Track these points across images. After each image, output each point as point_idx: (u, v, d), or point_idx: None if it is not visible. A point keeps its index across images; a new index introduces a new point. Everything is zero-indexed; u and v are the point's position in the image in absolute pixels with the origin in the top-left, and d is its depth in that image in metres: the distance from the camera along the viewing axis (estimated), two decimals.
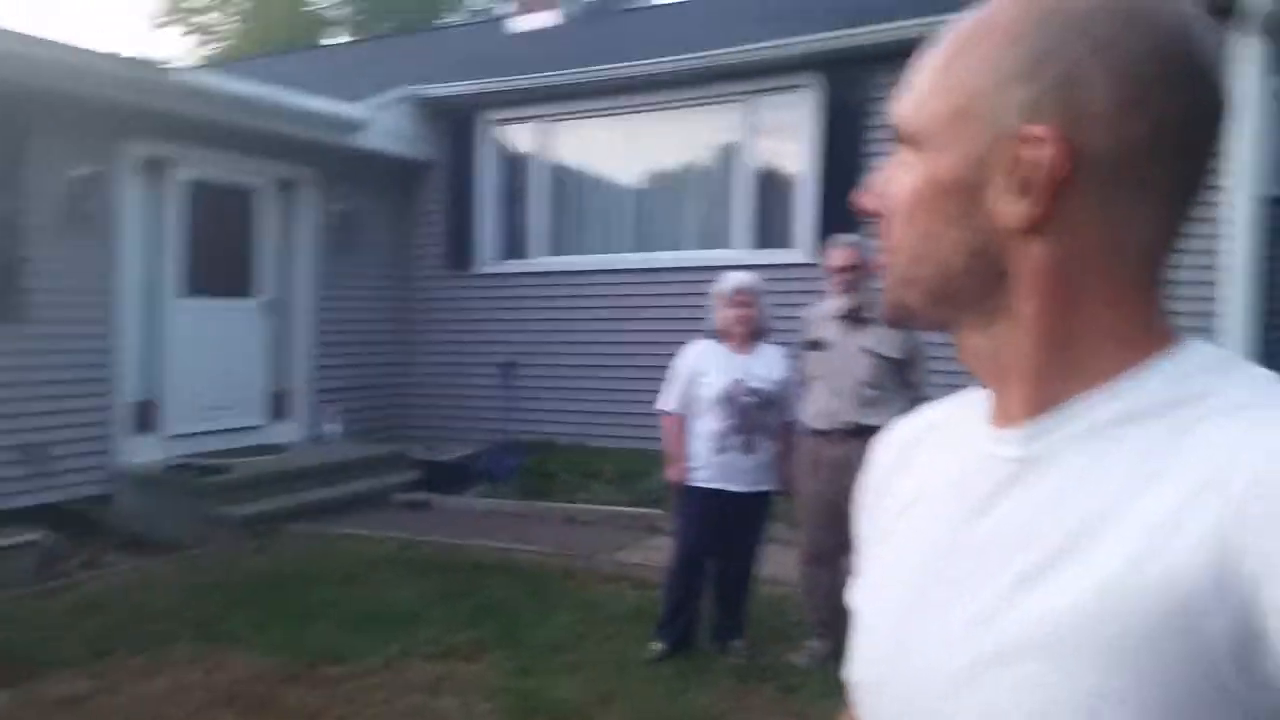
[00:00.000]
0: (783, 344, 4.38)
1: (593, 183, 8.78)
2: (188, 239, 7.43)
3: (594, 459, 7.71)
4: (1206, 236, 6.27)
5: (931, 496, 0.77)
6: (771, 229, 7.80)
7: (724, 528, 4.14)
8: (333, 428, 8.29)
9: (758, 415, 4.10)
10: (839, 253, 4.16)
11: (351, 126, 8.10)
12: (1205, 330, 6.24)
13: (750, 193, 7.90)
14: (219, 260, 7.78)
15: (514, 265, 8.89)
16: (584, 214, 8.77)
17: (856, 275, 4.08)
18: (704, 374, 4.12)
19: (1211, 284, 6.28)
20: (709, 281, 7.41)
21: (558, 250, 8.78)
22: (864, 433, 3.96)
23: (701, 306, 6.33)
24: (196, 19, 26.61)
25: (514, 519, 6.94)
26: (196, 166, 7.45)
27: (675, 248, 8.25)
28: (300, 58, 14.45)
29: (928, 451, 0.82)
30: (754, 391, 4.08)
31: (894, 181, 0.73)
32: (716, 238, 8.08)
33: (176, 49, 26.18)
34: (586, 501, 7.14)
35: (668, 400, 4.22)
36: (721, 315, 4.21)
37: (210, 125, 7.12)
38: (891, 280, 0.74)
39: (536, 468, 7.79)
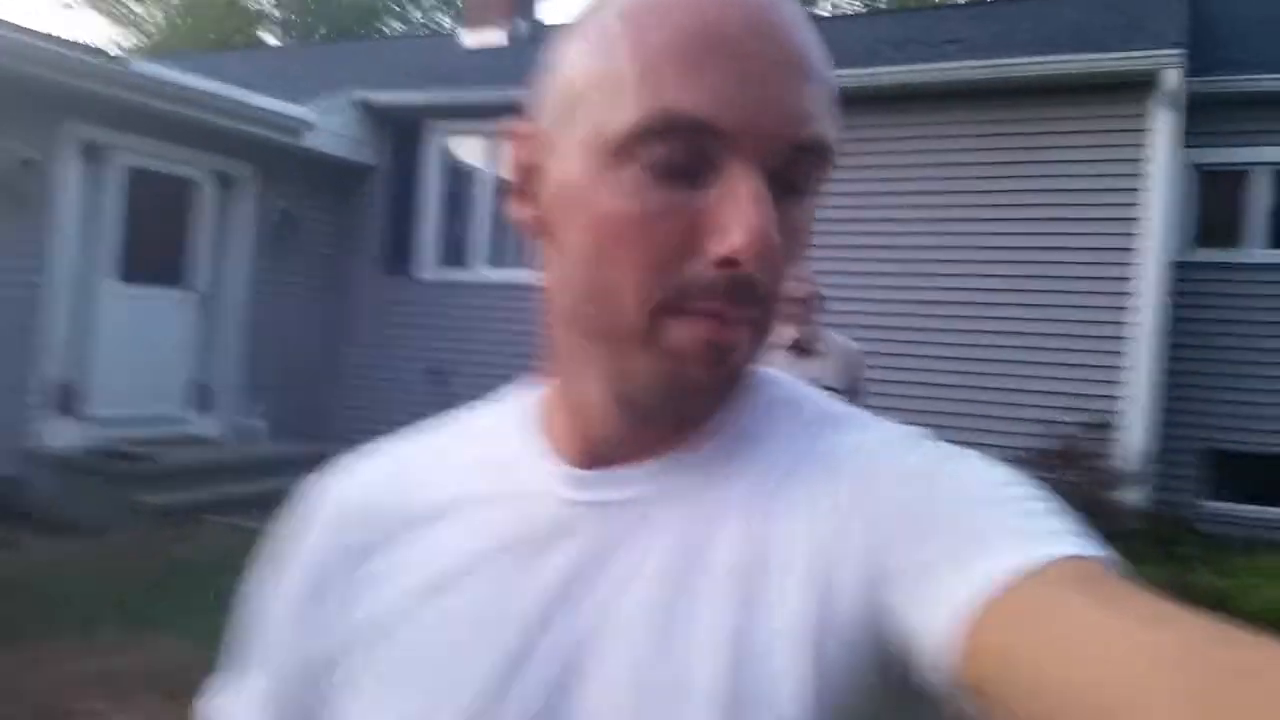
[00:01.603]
0: None
1: None
2: (124, 225, 7.33)
3: None
4: (1117, 294, 6.68)
5: (476, 567, 0.59)
6: None
7: None
8: (257, 424, 8.22)
9: None
10: (789, 284, 4.29)
11: (296, 127, 8.10)
12: (1114, 383, 6.64)
13: None
14: (154, 249, 7.68)
15: (452, 274, 8.95)
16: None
17: (805, 307, 4.21)
18: None
19: (1121, 339, 6.67)
20: None
21: (498, 263, 8.88)
22: None
23: None
24: (116, 7, 26.03)
25: None
26: (137, 154, 7.36)
27: None
28: (242, 56, 14.32)
29: (429, 510, 0.62)
30: None
31: None
32: None
33: (92, 35, 25.56)
34: None
35: None
36: None
37: (155, 115, 7.07)
38: None
39: None
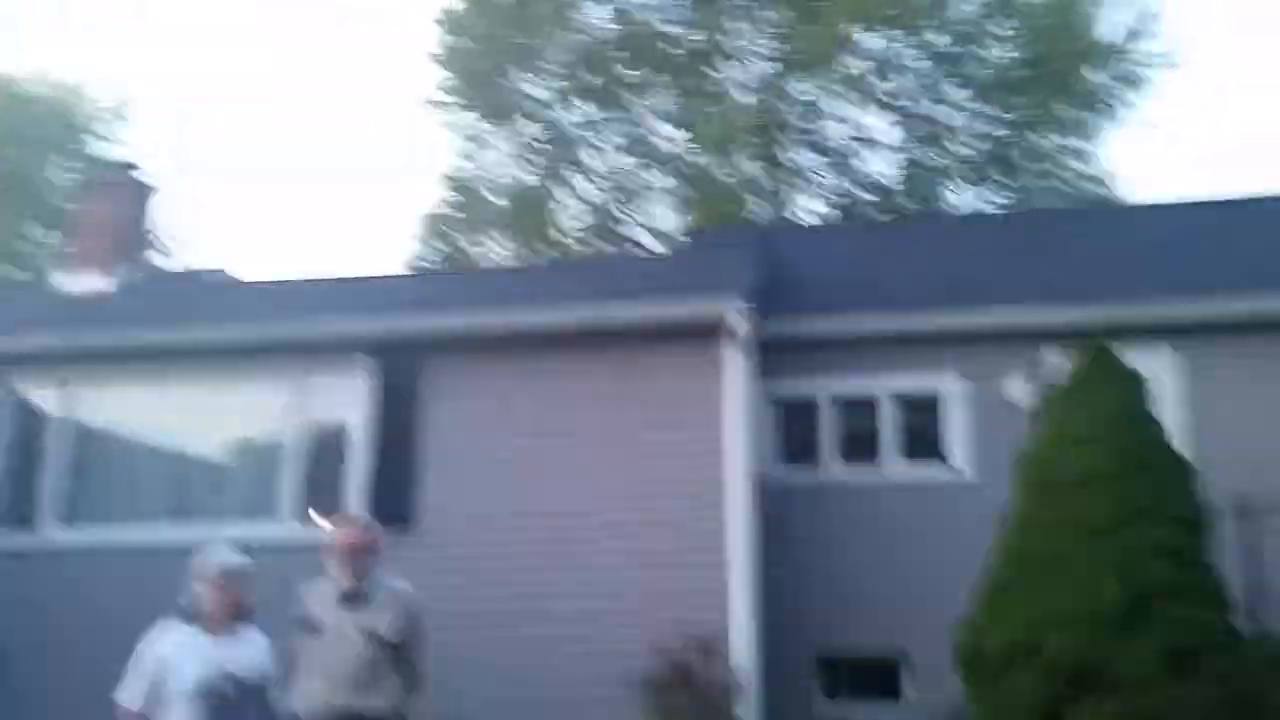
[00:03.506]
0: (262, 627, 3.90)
1: (124, 451, 8.17)
2: None
3: None
4: (712, 517, 7.06)
5: None
6: (321, 502, 7.65)
7: None
8: None
9: (238, 710, 3.56)
10: (345, 530, 4.08)
11: None
12: (719, 599, 6.89)
13: (299, 465, 7.77)
14: None
15: (17, 541, 7.82)
16: (109, 484, 8.08)
17: (362, 554, 4.01)
18: (176, 663, 3.54)
19: (720, 557, 6.99)
20: (258, 556, 7.10)
21: (74, 523, 7.91)
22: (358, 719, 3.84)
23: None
24: None
25: None
26: None
27: (217, 519, 7.78)
28: None
29: None
30: (236, 683, 3.56)
31: None
32: (262, 510, 7.77)
33: None
34: None
35: (127, 694, 3.56)
36: (205, 596, 3.67)
37: None
38: None
39: None
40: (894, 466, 8.12)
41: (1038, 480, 6.02)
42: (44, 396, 8.24)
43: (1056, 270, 9.06)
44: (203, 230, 44.46)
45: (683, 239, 18.64)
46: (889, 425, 8.19)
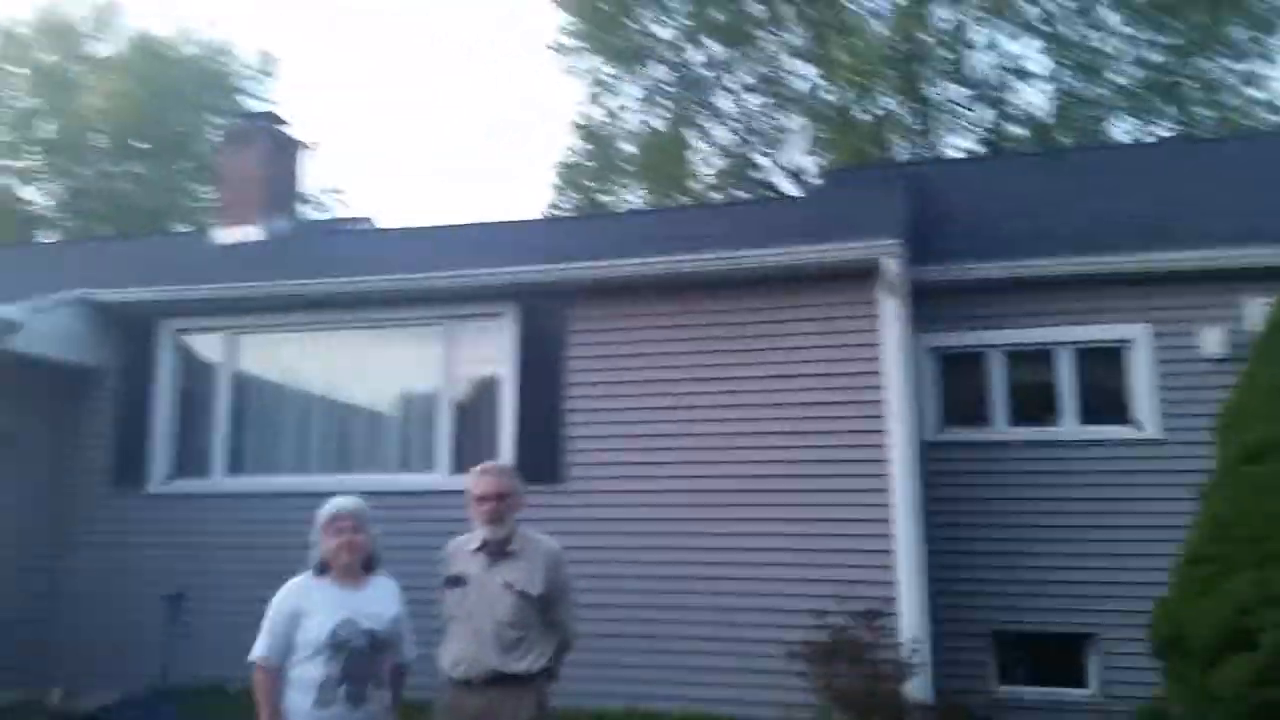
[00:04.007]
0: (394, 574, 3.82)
1: (285, 400, 8.30)
2: None
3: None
4: (873, 477, 6.70)
5: None
6: (474, 454, 7.61)
7: None
8: None
9: (369, 660, 3.51)
10: (485, 480, 3.89)
11: (1, 328, 7.28)
12: (882, 568, 6.56)
13: (450, 416, 7.74)
14: None
15: (190, 486, 8.12)
16: (274, 433, 8.24)
17: (503, 505, 3.82)
18: (306, 614, 3.50)
19: (884, 522, 6.64)
20: (412, 507, 7.23)
21: (241, 470, 8.14)
22: (507, 681, 3.70)
23: (406, 534, 5.96)
24: None
25: None
26: None
27: (374, 470, 7.87)
28: None
29: None
30: (365, 633, 3.51)
31: None
32: (417, 461, 7.80)
33: None
34: None
35: (261, 649, 3.51)
36: (323, 544, 3.59)
37: None
38: None
39: (194, 718, 6.81)
40: (1072, 425, 7.49)
41: (1244, 441, 5.45)
42: (208, 346, 8.43)
43: (1249, 204, 8.24)
44: (350, 182, 45.73)
45: (820, 180, 17.97)
46: (1067, 379, 7.57)
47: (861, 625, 6.08)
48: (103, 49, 26.05)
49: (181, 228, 22.90)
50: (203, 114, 25.29)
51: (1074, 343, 7.58)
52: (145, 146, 25.03)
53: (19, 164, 25.18)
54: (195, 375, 8.40)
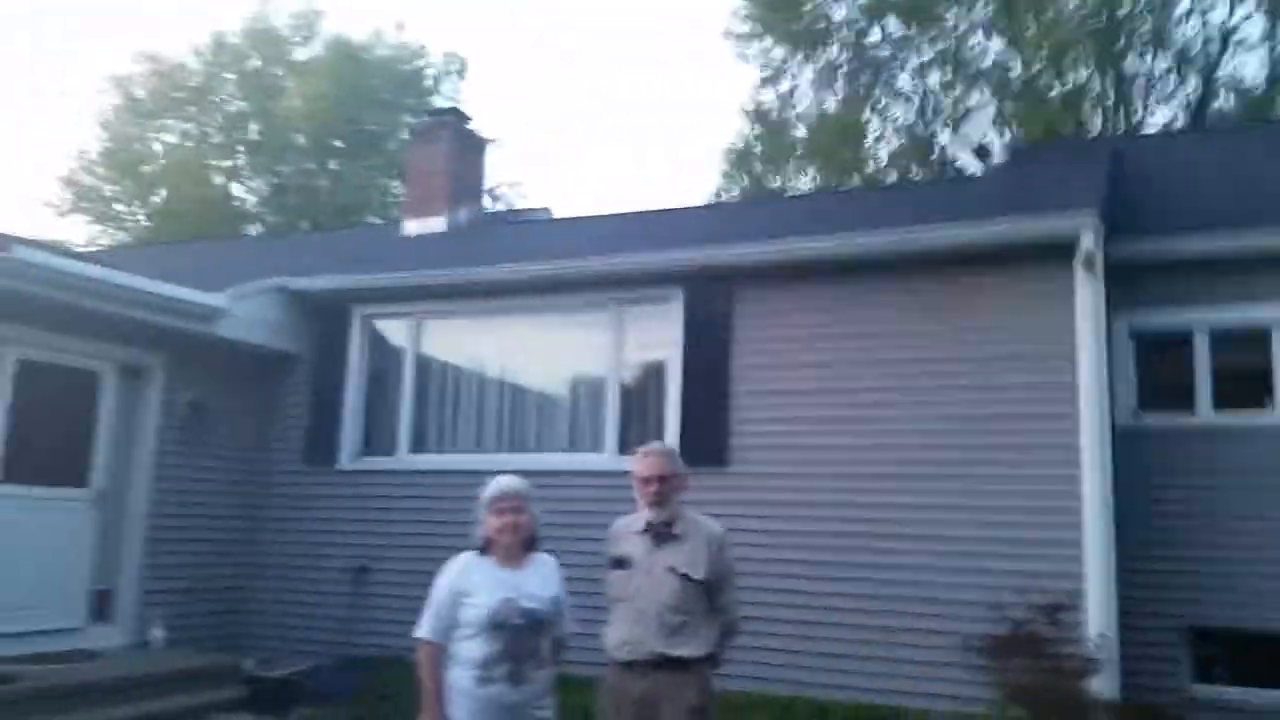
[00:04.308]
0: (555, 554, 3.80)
1: (464, 382, 8.59)
2: (11, 423, 6.92)
3: None
4: (1063, 463, 6.31)
5: None
6: (640, 435, 7.65)
7: None
8: (157, 633, 7.55)
9: (529, 639, 3.49)
10: (647, 461, 3.82)
11: (208, 314, 7.82)
12: (1069, 558, 6.18)
13: (617, 398, 7.81)
14: (47, 446, 7.24)
15: (377, 462, 8.51)
16: (454, 413, 8.54)
17: (666, 487, 3.76)
18: (468, 593, 3.52)
19: (1072, 510, 6.26)
20: (580, 486, 7.36)
21: (423, 448, 8.48)
22: (670, 665, 3.65)
23: (573, 513, 6.03)
24: (99, 206, 26.59)
25: None
26: (30, 347, 7.04)
27: (544, 450, 8.05)
28: (192, 249, 14.32)
29: None
30: (525, 612, 3.49)
31: None
32: (585, 442, 7.91)
33: (78, 236, 26.03)
34: None
35: (425, 628, 3.54)
36: (486, 524, 3.60)
37: (45, 305, 6.78)
38: None
39: (376, 688, 7.13)
40: None
41: None
42: (394, 330, 8.82)
43: None
44: (531, 175, 47.06)
45: (1007, 158, 17.13)
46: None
47: (1043, 618, 5.74)
48: (304, 53, 27.71)
49: (373, 221, 24.09)
50: (395, 113, 26.53)
51: None
52: (340, 145, 26.49)
53: (229, 163, 27.14)
54: (382, 358, 8.81)
